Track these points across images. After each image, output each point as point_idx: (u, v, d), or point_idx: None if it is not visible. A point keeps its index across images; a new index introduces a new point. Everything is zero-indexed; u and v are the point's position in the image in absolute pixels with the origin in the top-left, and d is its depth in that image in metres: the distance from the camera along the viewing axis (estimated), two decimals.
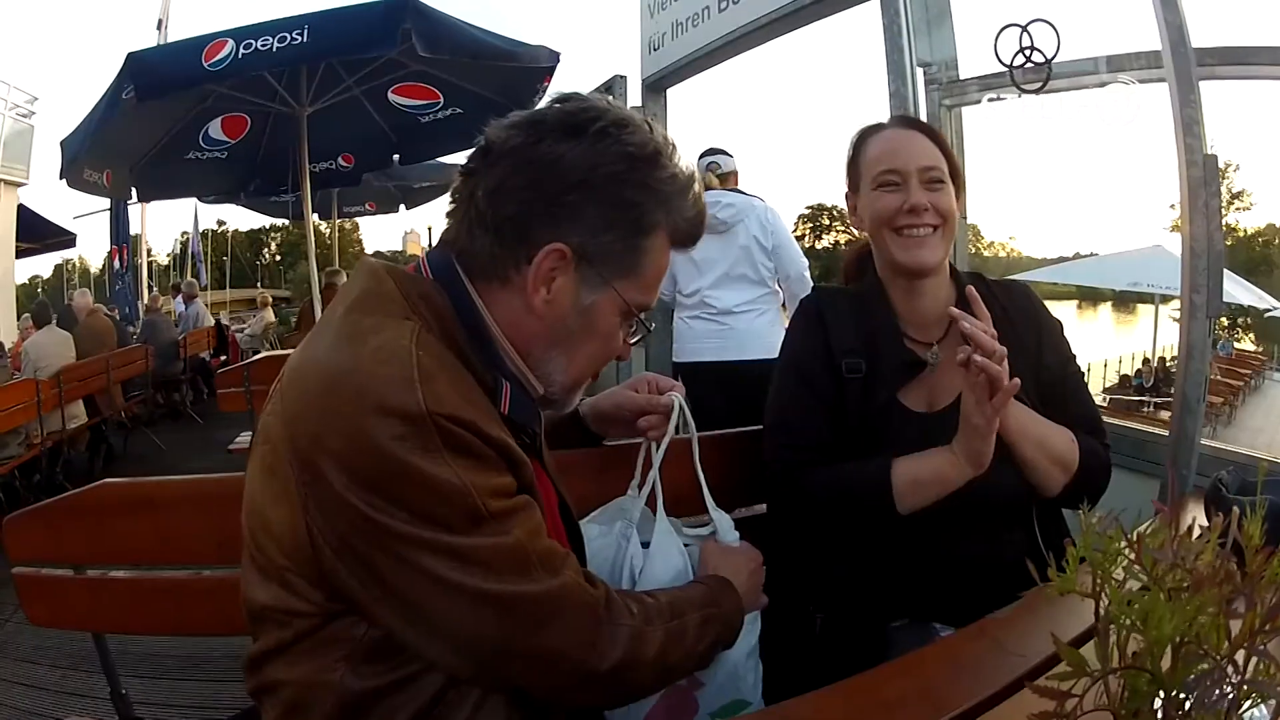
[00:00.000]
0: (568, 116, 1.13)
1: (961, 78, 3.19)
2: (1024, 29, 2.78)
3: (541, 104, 1.20)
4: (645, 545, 1.47)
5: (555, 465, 1.38)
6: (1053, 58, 2.77)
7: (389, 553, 0.98)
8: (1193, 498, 1.84)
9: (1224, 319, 34.81)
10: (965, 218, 1.83)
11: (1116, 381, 17.93)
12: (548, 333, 1.15)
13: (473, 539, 0.99)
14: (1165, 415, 13.24)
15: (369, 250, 50.50)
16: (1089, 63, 2.77)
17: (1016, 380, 1.40)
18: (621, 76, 4.90)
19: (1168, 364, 19.14)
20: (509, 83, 6.30)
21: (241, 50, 5.01)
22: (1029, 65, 2.78)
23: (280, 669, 1.08)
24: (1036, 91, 2.81)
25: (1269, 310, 20.37)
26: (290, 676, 1.07)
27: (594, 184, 1.10)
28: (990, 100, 3.12)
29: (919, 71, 3.11)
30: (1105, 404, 15.66)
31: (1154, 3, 2.29)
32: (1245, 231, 43.38)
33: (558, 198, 1.10)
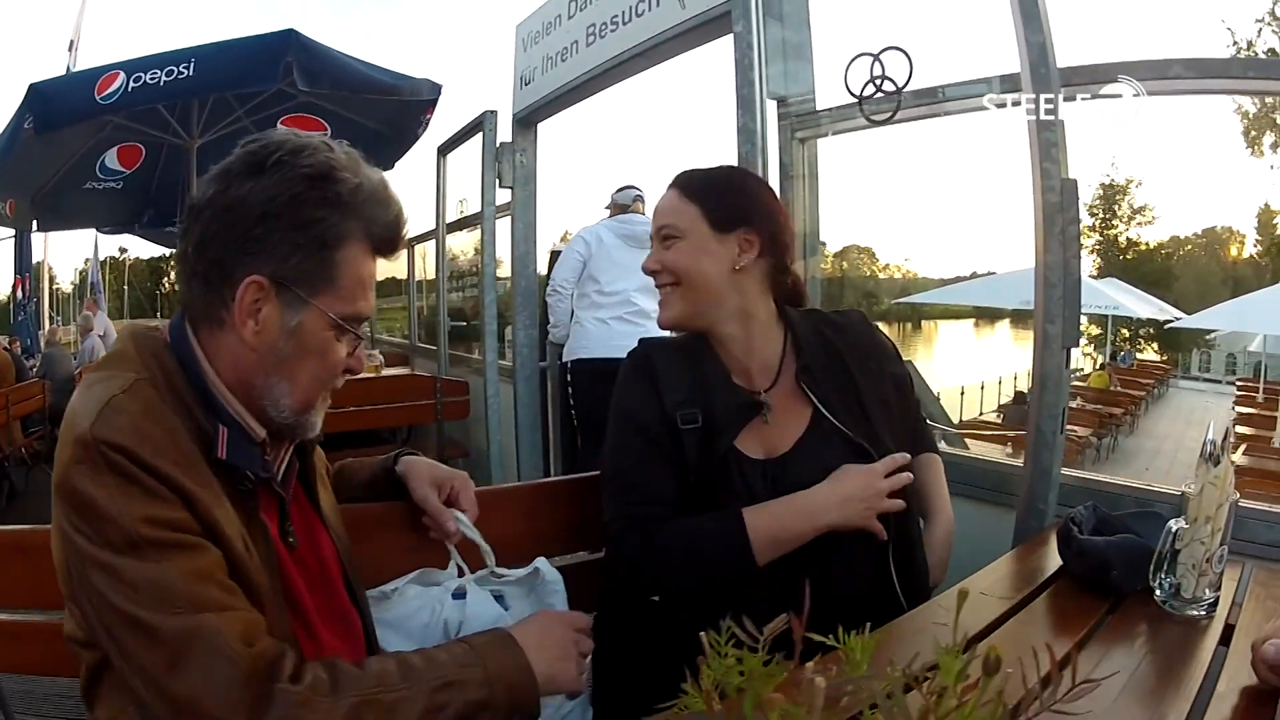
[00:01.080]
0: (249, 156, 1.18)
1: (817, 109, 3.14)
2: (876, 58, 2.74)
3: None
4: (461, 596, 1.49)
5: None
6: (904, 86, 2.71)
7: (79, 570, 1.05)
8: (1053, 529, 1.82)
9: (1125, 330, 35.97)
10: (779, 263, 1.76)
11: (1012, 398, 18.20)
12: (264, 361, 1.19)
13: (126, 559, 1.03)
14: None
15: None
16: (959, 87, 2.72)
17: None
18: (492, 112, 4.89)
19: None
20: (393, 115, 6.47)
21: (131, 83, 5.07)
22: (879, 95, 2.74)
23: (97, 709, 1.15)
24: (885, 122, 2.76)
25: (1169, 321, 20.96)
26: (103, 716, 1.14)
27: (276, 212, 1.15)
28: (834, 134, 3.08)
29: (771, 105, 3.07)
30: (1000, 419, 15.96)
31: (1015, 22, 2.23)
32: (1148, 245, 44.72)
33: (248, 233, 1.15)
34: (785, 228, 1.76)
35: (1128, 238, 43.62)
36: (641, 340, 1.83)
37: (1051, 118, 2.17)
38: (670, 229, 1.69)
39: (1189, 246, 51.17)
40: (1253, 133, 33.39)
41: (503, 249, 5.02)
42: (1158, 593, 1.54)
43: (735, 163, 2.95)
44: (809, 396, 1.65)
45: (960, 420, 13.80)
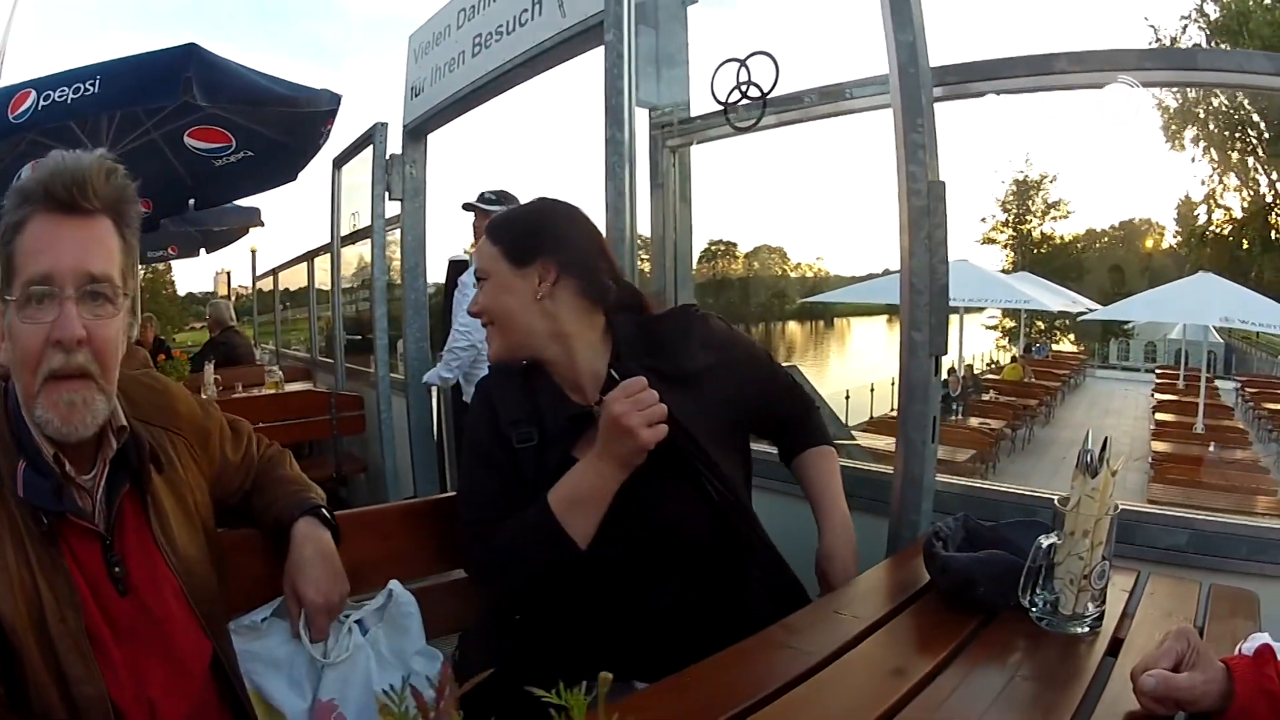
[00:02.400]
0: None
1: (692, 116, 3.14)
2: (743, 64, 2.75)
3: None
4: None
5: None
6: (769, 92, 2.73)
7: None
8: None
9: (1040, 323, 36.74)
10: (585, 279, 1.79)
11: None
12: (12, 371, 1.21)
13: None
14: (974, 422, 13.75)
15: (181, 292, 54.04)
16: (825, 91, 2.70)
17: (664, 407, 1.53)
18: (383, 124, 4.90)
19: (975, 372, 20.00)
20: (295, 126, 6.27)
21: (42, 101, 4.98)
22: (744, 101, 2.75)
23: None
24: (751, 129, 2.77)
25: (1082, 313, 21.43)
26: None
27: None
28: (702, 142, 3.12)
29: (641, 114, 3.07)
30: None
31: (885, 22, 2.18)
32: (1062, 239, 45.70)
33: None
34: (588, 248, 1.79)
35: (1042, 232, 44.10)
36: (490, 367, 1.88)
37: (919, 119, 2.12)
38: (481, 272, 1.76)
39: (1106, 239, 51.75)
40: (1173, 126, 34.13)
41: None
42: (1033, 610, 1.48)
43: (603, 172, 2.97)
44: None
45: (871, 417, 13.80)
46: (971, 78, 2.38)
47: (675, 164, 3.19)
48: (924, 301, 2.12)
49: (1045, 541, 1.45)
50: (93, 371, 1.19)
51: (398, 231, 4.93)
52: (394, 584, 1.60)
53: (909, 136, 2.14)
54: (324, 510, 1.55)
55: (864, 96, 2.57)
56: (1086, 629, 1.43)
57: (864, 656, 1.38)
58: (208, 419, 1.54)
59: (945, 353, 2.15)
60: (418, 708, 0.73)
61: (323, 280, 7.55)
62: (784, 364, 2.22)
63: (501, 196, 4.34)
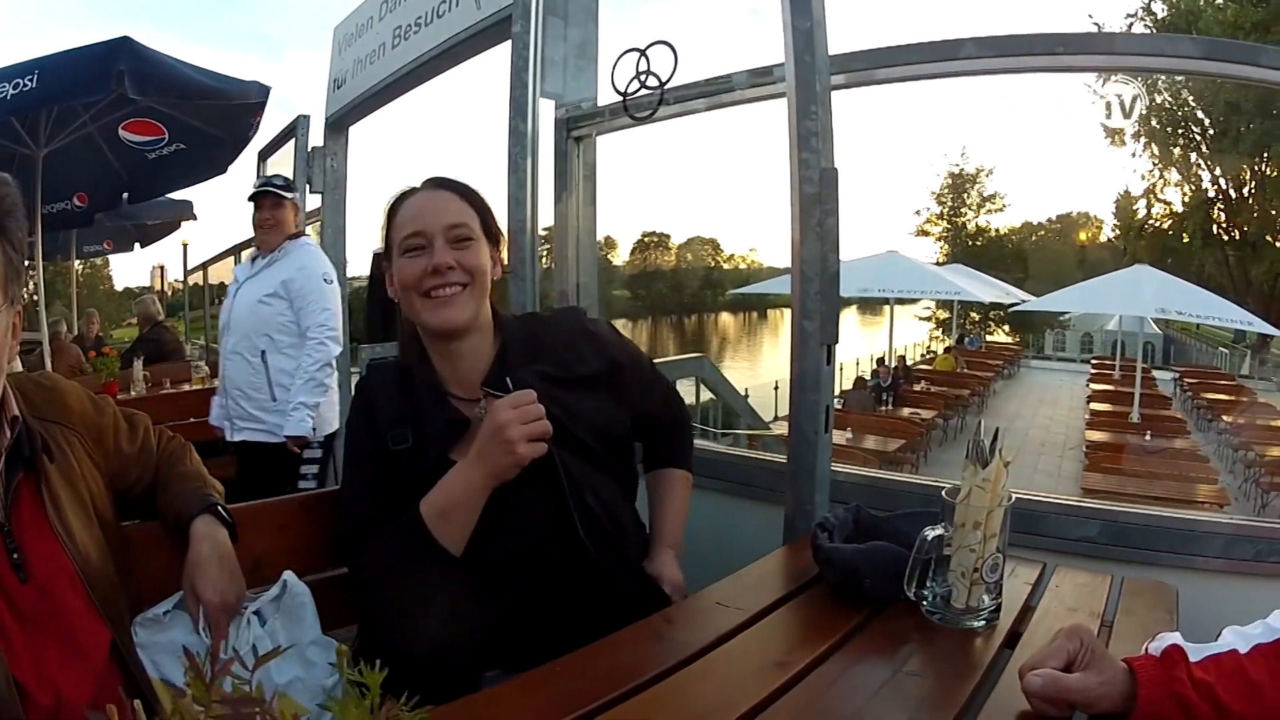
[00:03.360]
0: None
1: (599, 106, 3.18)
2: (643, 53, 2.78)
3: None
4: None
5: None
6: (667, 81, 2.76)
7: None
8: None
9: (974, 314, 37.26)
10: (509, 271, 1.96)
11: (853, 383, 18.68)
12: None
13: None
14: (905, 412, 14.00)
15: (119, 287, 51.90)
16: (718, 81, 2.75)
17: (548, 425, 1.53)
18: (305, 116, 4.86)
19: (907, 363, 20.33)
20: (226, 118, 6.43)
21: None
22: (642, 91, 2.79)
23: None
24: (648, 119, 2.83)
25: (1014, 304, 21.82)
26: None
27: None
28: (602, 133, 3.16)
29: (545, 105, 3.11)
30: (841, 406, 16.21)
31: (784, 9, 2.18)
32: (998, 231, 46.37)
33: None
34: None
35: (977, 224, 44.68)
36: (368, 364, 1.91)
37: (813, 107, 2.12)
38: (464, 229, 1.68)
39: (1042, 232, 52.99)
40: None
41: None
42: (924, 604, 1.48)
43: (505, 162, 2.98)
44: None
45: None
46: (874, 64, 2.43)
47: (579, 156, 3.20)
48: (815, 290, 2.11)
49: (930, 534, 1.44)
50: None
51: (319, 224, 4.89)
52: (288, 574, 1.61)
53: (802, 124, 2.13)
54: (221, 508, 1.57)
55: (763, 85, 2.60)
56: (981, 623, 1.43)
57: (742, 647, 1.38)
58: (100, 415, 1.57)
59: (837, 341, 2.15)
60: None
61: None
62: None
63: (288, 185, 4.21)
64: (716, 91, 2.75)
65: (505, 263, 1.81)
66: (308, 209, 4.80)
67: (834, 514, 1.77)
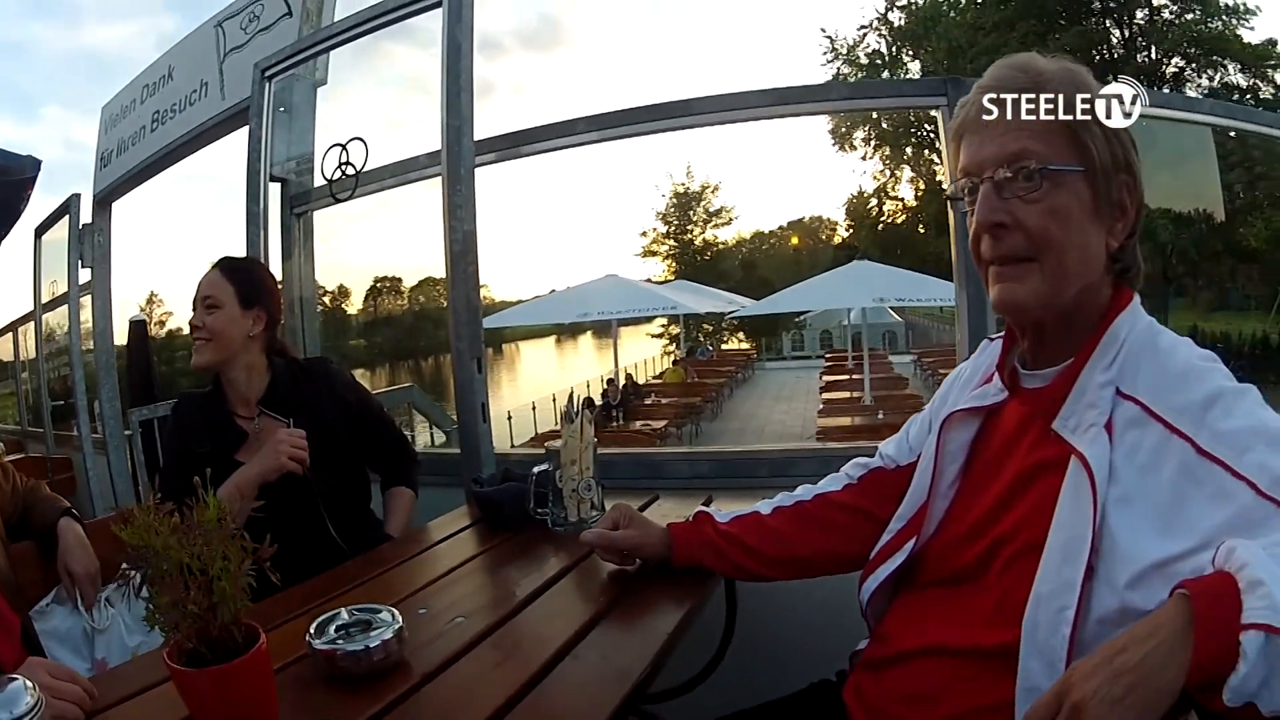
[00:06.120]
0: None
1: (314, 187, 3.61)
2: (343, 147, 3.28)
3: None
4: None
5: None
6: (362, 168, 3.29)
7: None
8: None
9: (708, 326, 36.76)
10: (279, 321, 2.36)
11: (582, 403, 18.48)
12: None
13: None
14: (636, 425, 13.77)
15: None
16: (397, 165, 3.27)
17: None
18: (77, 195, 4.96)
19: (634, 380, 20.29)
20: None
21: None
22: (343, 178, 3.29)
23: None
24: (348, 198, 3.35)
25: (732, 311, 21.80)
26: None
27: None
28: (318, 209, 3.60)
29: (275, 187, 3.54)
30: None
31: (441, 109, 2.74)
32: (727, 243, 46.25)
33: None
34: (279, 305, 2.31)
35: (705, 239, 44.28)
36: (181, 393, 2.40)
37: (460, 186, 2.71)
38: (214, 300, 2.16)
39: (774, 240, 53.94)
40: (842, 129, 35.72)
41: None
42: (549, 521, 2.02)
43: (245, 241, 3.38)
44: (277, 419, 2.18)
45: (536, 434, 13.75)
46: (514, 144, 3.00)
47: (301, 228, 3.66)
48: (464, 319, 2.70)
49: (536, 470, 2.02)
50: None
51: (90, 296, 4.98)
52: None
53: (452, 198, 2.69)
54: (73, 511, 2.06)
55: (430, 168, 3.09)
56: (590, 527, 1.81)
57: (404, 568, 1.92)
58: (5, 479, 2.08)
59: (482, 354, 2.76)
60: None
61: (24, 348, 7.27)
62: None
63: None
64: (398, 173, 3.28)
65: (275, 315, 2.28)
66: (81, 282, 5.01)
67: (489, 474, 2.40)
